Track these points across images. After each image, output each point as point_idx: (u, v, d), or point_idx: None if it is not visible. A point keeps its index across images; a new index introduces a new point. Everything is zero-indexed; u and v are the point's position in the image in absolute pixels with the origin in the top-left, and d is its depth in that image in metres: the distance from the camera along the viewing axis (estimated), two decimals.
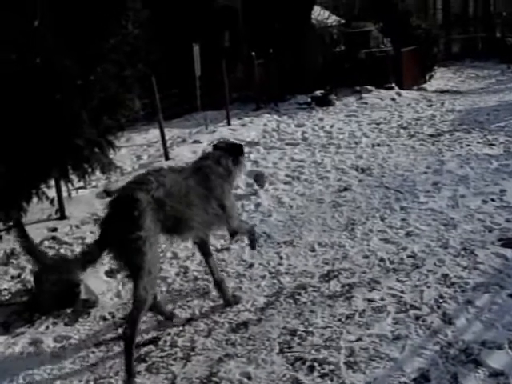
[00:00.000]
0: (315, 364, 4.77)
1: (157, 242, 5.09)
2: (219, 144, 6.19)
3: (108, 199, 9.12)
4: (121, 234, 4.84)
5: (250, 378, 4.68)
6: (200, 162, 5.76)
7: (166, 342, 5.37)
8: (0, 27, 5.56)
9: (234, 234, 6.15)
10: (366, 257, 6.64)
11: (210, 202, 5.46)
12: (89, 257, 4.92)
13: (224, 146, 6.06)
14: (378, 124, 14.05)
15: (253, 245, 6.31)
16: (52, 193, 7.74)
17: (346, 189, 9.13)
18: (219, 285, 5.91)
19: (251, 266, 6.74)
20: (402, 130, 13.14)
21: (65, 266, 4.96)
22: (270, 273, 6.50)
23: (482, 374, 4.46)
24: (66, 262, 5.04)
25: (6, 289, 6.72)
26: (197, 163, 5.75)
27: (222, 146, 6.02)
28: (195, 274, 6.69)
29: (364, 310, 5.49)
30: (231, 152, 5.88)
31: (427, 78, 22.38)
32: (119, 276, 6.74)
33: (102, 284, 6.57)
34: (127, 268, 5.05)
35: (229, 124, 14.56)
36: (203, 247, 5.92)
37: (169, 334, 5.48)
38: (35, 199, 6.86)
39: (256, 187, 9.38)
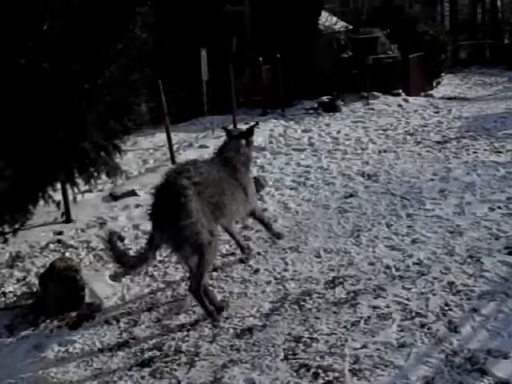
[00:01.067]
0: (320, 371, 4.76)
1: (207, 217, 5.60)
2: (233, 132, 6.89)
3: (113, 203, 9.19)
4: (173, 222, 5.38)
5: None
6: (224, 152, 6.46)
7: (170, 346, 5.36)
8: (9, 31, 5.59)
9: (252, 214, 6.79)
10: (372, 264, 6.61)
11: (238, 190, 6.19)
12: (156, 242, 5.57)
13: (238, 133, 6.85)
14: (384, 130, 14.02)
15: (270, 228, 7.15)
16: (58, 196, 7.76)
17: (351, 195, 9.09)
18: (242, 250, 6.96)
19: (256, 271, 6.72)
20: (408, 137, 13.10)
21: (142, 258, 5.63)
22: (276, 278, 6.48)
23: (487, 383, 4.44)
24: (141, 255, 5.68)
25: (11, 291, 6.72)
26: (222, 154, 6.45)
27: (235, 134, 6.80)
28: None
29: (369, 317, 5.47)
30: (244, 136, 6.72)
31: (434, 84, 22.33)
32: (124, 280, 6.75)
33: (107, 288, 6.56)
34: (181, 249, 5.63)
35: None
36: (228, 228, 6.75)
37: (173, 338, 5.48)
38: (41, 202, 6.88)
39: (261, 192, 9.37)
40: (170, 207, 5.39)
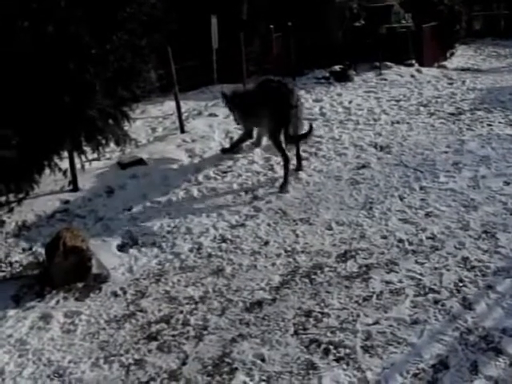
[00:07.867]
0: (331, 347, 4.69)
1: None
2: None
3: (120, 171, 9.04)
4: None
5: (263, 360, 4.60)
6: None
7: (178, 320, 5.29)
8: None
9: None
10: (385, 237, 6.50)
11: None
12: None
13: None
14: (397, 101, 13.77)
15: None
16: (65, 164, 7.65)
17: (364, 166, 8.94)
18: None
19: (266, 243, 6.61)
20: (421, 108, 12.86)
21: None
22: (286, 251, 6.39)
23: (502, 363, 4.36)
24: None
25: (17, 261, 6.64)
26: None
27: None
28: (209, 250, 6.58)
29: (382, 293, 5.38)
30: None
31: (448, 55, 21.98)
32: (131, 251, 6.66)
33: (114, 259, 6.49)
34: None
35: None
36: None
37: (181, 311, 5.40)
38: (48, 171, 6.79)
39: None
40: (287, 97, 8.65)
